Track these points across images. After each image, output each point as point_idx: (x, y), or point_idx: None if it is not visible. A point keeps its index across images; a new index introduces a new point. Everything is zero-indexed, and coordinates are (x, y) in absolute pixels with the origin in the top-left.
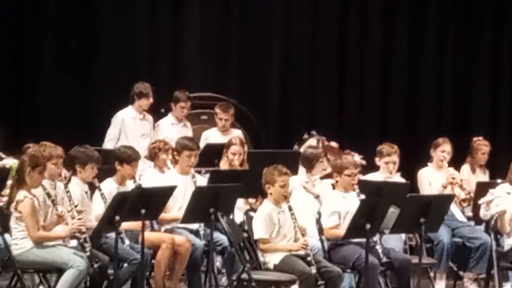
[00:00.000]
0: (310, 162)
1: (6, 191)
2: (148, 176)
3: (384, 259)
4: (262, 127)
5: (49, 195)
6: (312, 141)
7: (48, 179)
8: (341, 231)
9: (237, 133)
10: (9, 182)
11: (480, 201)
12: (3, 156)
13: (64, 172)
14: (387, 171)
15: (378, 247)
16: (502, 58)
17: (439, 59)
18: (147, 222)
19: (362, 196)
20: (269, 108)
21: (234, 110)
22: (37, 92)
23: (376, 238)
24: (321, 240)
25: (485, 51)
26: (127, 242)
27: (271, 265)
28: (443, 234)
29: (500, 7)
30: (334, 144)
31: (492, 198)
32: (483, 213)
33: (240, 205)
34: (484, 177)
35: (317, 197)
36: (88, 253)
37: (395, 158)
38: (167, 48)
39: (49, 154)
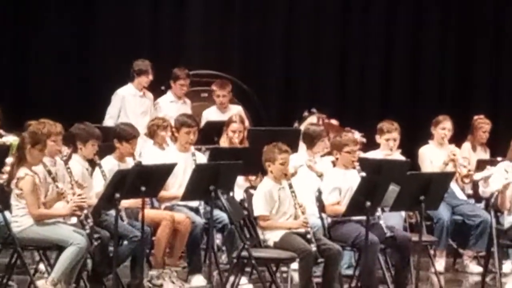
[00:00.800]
0: (312, 140)
1: (7, 168)
2: (147, 153)
3: (388, 233)
4: (263, 105)
5: (49, 172)
6: (313, 119)
7: (48, 156)
8: (342, 208)
9: (236, 109)
10: (9, 160)
11: (475, 176)
12: (3, 133)
13: (64, 149)
14: (387, 148)
15: (381, 222)
16: (504, 35)
17: (440, 37)
18: (147, 200)
19: (363, 173)
20: (269, 86)
21: (235, 87)
22: (37, 69)
23: (378, 213)
24: (321, 217)
25: (487, 28)
26: (125, 220)
27: (271, 243)
28: (443, 212)
29: None
30: (334, 121)
31: (488, 174)
32: (482, 190)
33: (240, 182)
34: (485, 155)
35: (320, 175)
36: (88, 231)
37: (396, 135)
38: (168, 25)
39: (48, 131)
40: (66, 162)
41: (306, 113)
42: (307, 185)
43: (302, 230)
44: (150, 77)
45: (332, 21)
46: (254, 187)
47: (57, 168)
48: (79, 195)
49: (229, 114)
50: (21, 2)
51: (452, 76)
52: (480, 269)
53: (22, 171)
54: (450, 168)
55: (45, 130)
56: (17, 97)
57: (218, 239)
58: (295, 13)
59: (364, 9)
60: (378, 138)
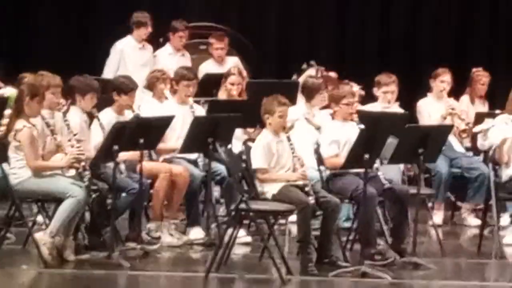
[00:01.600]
0: (310, 92)
1: (5, 120)
2: (146, 106)
3: (387, 185)
4: (261, 57)
5: (48, 124)
6: (311, 71)
7: (47, 108)
8: (341, 160)
9: (233, 61)
10: (7, 112)
11: (475, 129)
12: (1, 85)
13: (62, 101)
14: (385, 100)
15: (380, 173)
16: None
17: None
18: (146, 152)
19: (361, 125)
20: (268, 39)
21: (233, 40)
22: (35, 22)
23: (377, 164)
24: (319, 170)
25: None
26: (124, 173)
27: (269, 195)
28: (441, 165)
29: None
30: (333, 74)
31: (487, 126)
32: (480, 143)
33: (239, 135)
34: (483, 108)
35: (318, 128)
36: (86, 183)
37: (393, 87)
38: None
39: (47, 83)
40: (64, 114)
41: (304, 66)
42: (306, 138)
43: (300, 182)
44: (149, 29)
45: None
46: (252, 140)
47: (56, 120)
48: (78, 147)
49: (226, 66)
50: None
51: (451, 29)
52: (478, 222)
53: (20, 123)
54: (448, 121)
55: (44, 82)
56: (14, 49)
57: (216, 191)
58: None
59: None
60: (376, 91)
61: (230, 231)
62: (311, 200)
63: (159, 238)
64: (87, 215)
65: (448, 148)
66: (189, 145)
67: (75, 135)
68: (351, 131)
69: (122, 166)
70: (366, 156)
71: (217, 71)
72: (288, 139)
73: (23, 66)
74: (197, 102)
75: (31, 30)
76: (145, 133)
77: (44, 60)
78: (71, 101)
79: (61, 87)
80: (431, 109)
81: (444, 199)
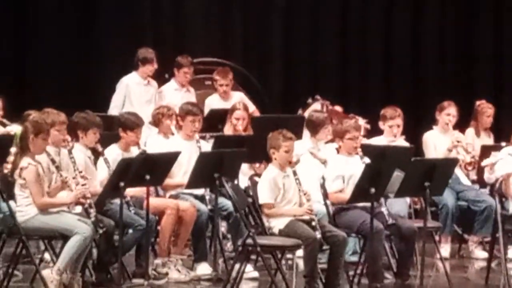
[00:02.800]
0: (315, 127)
1: (11, 158)
2: (152, 142)
3: (390, 221)
4: (266, 92)
5: (53, 161)
6: (316, 106)
7: (52, 145)
8: (346, 195)
9: (238, 96)
10: (13, 149)
11: (483, 163)
12: (7, 122)
13: (68, 138)
14: (391, 134)
15: (383, 209)
16: (505, 18)
17: (441, 21)
18: (152, 188)
19: (366, 159)
20: (273, 73)
21: (238, 75)
22: (40, 59)
23: (381, 200)
24: (325, 204)
25: (488, 11)
26: (132, 207)
27: (276, 230)
28: (447, 198)
29: None
30: (338, 108)
31: (495, 160)
32: (487, 176)
33: (245, 170)
34: (489, 140)
35: (324, 162)
36: (93, 219)
37: (399, 121)
38: (170, 13)
39: (52, 121)
40: (70, 151)
41: (310, 100)
42: (311, 172)
43: (307, 217)
44: (155, 65)
45: (332, 6)
46: (258, 175)
47: (61, 157)
48: (83, 184)
49: (231, 101)
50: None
51: (455, 61)
52: (485, 254)
53: (25, 161)
54: (454, 154)
55: (49, 119)
56: (19, 86)
57: (223, 227)
58: (296, 0)
59: None
60: (382, 125)
61: (237, 266)
62: (318, 234)
63: (166, 274)
64: (94, 252)
65: (454, 181)
66: (195, 181)
67: (80, 172)
68: (356, 166)
69: (130, 201)
70: (372, 190)
71: (222, 106)
72: (294, 173)
73: (27, 104)
74: (202, 137)
75: (34, 67)
76: (151, 169)
77: (48, 97)
78: (75, 138)
79: (66, 124)
80: (437, 142)
81: (451, 232)
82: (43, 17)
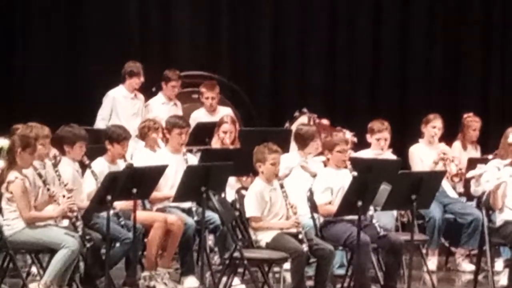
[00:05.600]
0: (304, 140)
1: None
2: (139, 155)
3: (382, 232)
4: (253, 105)
5: (40, 175)
6: (304, 119)
7: (37, 159)
8: (334, 208)
9: (226, 111)
10: (0, 163)
11: (468, 175)
12: None
13: (54, 152)
14: (378, 147)
15: (374, 221)
16: (493, 32)
17: (429, 35)
18: (139, 201)
19: (355, 173)
20: (260, 86)
21: (224, 88)
22: (27, 72)
23: (371, 212)
24: (313, 217)
25: (475, 26)
26: (122, 218)
27: (263, 243)
28: (434, 211)
29: None
30: (325, 121)
31: (481, 172)
32: (474, 189)
33: (232, 183)
34: (475, 153)
35: (314, 176)
36: (80, 233)
37: (386, 134)
38: (156, 27)
39: (36, 135)
40: (55, 164)
41: (297, 113)
42: (300, 186)
43: (294, 230)
44: (142, 79)
45: (319, 20)
46: (245, 188)
47: (47, 171)
48: (69, 197)
49: (218, 116)
50: (9, 4)
51: (441, 75)
52: (472, 267)
53: (12, 175)
54: (440, 167)
55: (32, 133)
56: (5, 99)
57: (210, 240)
58: (283, 13)
59: (351, 8)
60: (369, 138)
61: (224, 279)
62: (305, 247)
63: (153, 287)
64: (81, 265)
65: (441, 194)
66: (182, 194)
67: (65, 185)
68: (345, 178)
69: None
70: (359, 203)
71: (209, 120)
72: (281, 186)
73: (14, 117)
74: (189, 151)
75: (20, 81)
76: (138, 182)
77: (34, 111)
78: (61, 152)
79: (49, 138)
80: (423, 155)
81: (438, 244)
82: (30, 31)
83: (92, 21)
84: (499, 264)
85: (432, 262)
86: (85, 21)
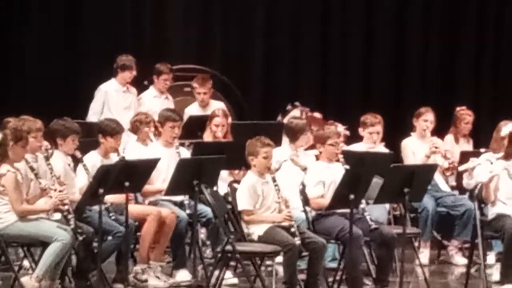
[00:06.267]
0: (294, 134)
1: None
2: (131, 149)
3: (373, 226)
4: (245, 98)
5: (32, 168)
6: (296, 112)
7: (29, 152)
8: (327, 201)
9: (218, 105)
10: None
11: (460, 168)
12: None
13: (46, 145)
14: (371, 141)
15: (366, 214)
16: (487, 26)
17: (423, 28)
18: (131, 195)
19: (347, 166)
20: (252, 79)
21: (217, 81)
22: (21, 66)
23: (363, 205)
24: (305, 211)
25: (470, 19)
26: (112, 212)
27: (255, 237)
28: (427, 202)
29: None
30: (317, 114)
31: (473, 165)
32: (466, 182)
33: (224, 176)
34: (468, 146)
35: (304, 169)
36: (72, 226)
37: (379, 128)
38: (149, 21)
39: (28, 128)
40: (47, 158)
41: (289, 107)
42: (291, 179)
43: (286, 223)
44: (134, 72)
45: (312, 13)
46: (238, 181)
47: (39, 164)
48: (60, 191)
49: (210, 110)
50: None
51: (434, 68)
52: (464, 260)
53: (3, 168)
54: (432, 160)
55: (25, 126)
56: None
57: (202, 233)
58: (275, 6)
59: (344, 2)
60: (362, 131)
61: (216, 273)
62: (297, 241)
63: (146, 281)
64: (74, 259)
65: (433, 188)
66: (174, 187)
67: (58, 178)
68: (337, 172)
69: (110, 207)
70: (352, 196)
71: (202, 114)
72: (274, 180)
73: (7, 111)
74: (182, 144)
75: (14, 74)
76: (131, 176)
77: (28, 105)
78: (54, 145)
79: (42, 131)
80: (415, 148)
81: (430, 236)
82: (25, 25)
83: (86, 16)
84: (491, 257)
85: (425, 254)
86: (79, 16)
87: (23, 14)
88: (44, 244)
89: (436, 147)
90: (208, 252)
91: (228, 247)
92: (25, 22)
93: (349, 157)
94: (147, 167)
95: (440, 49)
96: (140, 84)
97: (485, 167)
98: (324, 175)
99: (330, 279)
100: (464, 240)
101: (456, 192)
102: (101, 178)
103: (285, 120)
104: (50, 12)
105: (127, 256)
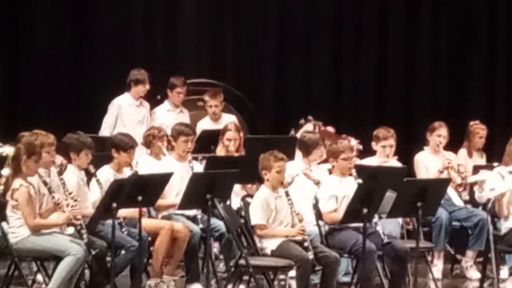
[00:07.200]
0: (308, 148)
1: (2, 179)
2: (144, 163)
3: (386, 240)
4: (259, 113)
5: (45, 183)
6: (309, 126)
7: (42, 167)
8: (339, 215)
9: (230, 119)
10: (5, 171)
11: (470, 179)
12: (0, 144)
13: (61, 160)
14: (383, 155)
15: (379, 228)
16: (498, 41)
17: (434, 43)
18: (144, 209)
19: (360, 180)
20: (265, 93)
21: (230, 95)
22: (33, 80)
23: (375, 219)
24: (318, 225)
25: (481, 34)
26: (125, 227)
27: (268, 251)
28: (441, 213)
29: None
30: (330, 129)
31: (482, 178)
32: (478, 195)
33: (237, 190)
34: (481, 160)
35: (317, 183)
36: (85, 240)
37: (392, 142)
38: (161, 35)
39: (41, 143)
40: (60, 173)
41: (302, 121)
42: (304, 193)
43: (299, 238)
44: (147, 86)
45: (325, 28)
46: (251, 195)
47: (52, 179)
48: (73, 206)
49: (222, 124)
50: (14, 13)
51: (447, 82)
52: (478, 275)
53: (17, 182)
54: (445, 175)
55: (37, 141)
56: (11, 107)
57: (215, 247)
58: (288, 21)
59: (357, 16)
60: (374, 145)
61: (230, 287)
62: (310, 255)
63: None
64: (87, 273)
65: (447, 202)
66: (187, 202)
67: (70, 193)
68: (350, 186)
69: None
70: (365, 210)
71: (214, 128)
72: (287, 194)
73: (20, 125)
74: (195, 158)
75: (26, 89)
76: (144, 190)
77: (40, 119)
78: (67, 160)
79: (54, 146)
80: (428, 163)
81: (444, 247)
82: (36, 39)
83: (98, 29)
84: (504, 271)
85: (438, 268)
86: (91, 29)
87: (31, 23)
88: (57, 258)
89: (449, 162)
90: (221, 266)
91: (242, 261)
92: (34, 34)
93: (362, 171)
94: (160, 181)
95: (452, 64)
96: (153, 98)
97: (496, 181)
98: (337, 189)
99: None
100: (478, 254)
101: (469, 206)
102: (114, 192)
103: (298, 134)
104: (63, 28)
105: (140, 270)
